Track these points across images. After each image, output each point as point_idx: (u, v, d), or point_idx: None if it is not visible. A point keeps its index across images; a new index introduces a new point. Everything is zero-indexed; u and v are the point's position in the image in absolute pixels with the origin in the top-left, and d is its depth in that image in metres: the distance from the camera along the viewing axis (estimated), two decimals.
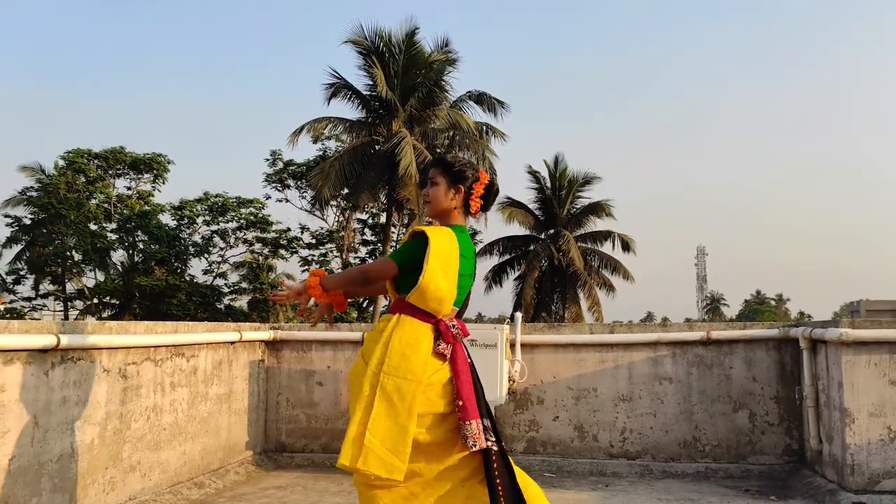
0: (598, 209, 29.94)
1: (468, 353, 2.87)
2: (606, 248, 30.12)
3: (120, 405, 4.17)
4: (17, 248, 29.51)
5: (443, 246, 2.77)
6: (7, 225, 29.66)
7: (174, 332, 4.72)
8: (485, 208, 2.98)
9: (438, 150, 24.10)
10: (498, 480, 2.67)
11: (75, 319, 30.36)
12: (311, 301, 2.90)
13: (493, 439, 2.72)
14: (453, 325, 2.81)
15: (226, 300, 30.44)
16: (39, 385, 3.54)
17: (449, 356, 2.77)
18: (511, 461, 2.78)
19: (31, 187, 29.08)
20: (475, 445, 2.67)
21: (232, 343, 5.47)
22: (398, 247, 2.84)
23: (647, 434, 5.62)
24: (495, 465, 2.68)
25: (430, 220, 3.03)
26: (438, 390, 2.72)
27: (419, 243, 2.78)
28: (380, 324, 2.86)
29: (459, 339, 2.83)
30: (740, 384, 5.55)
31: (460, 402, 2.70)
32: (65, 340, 3.62)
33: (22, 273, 29.39)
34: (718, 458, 5.50)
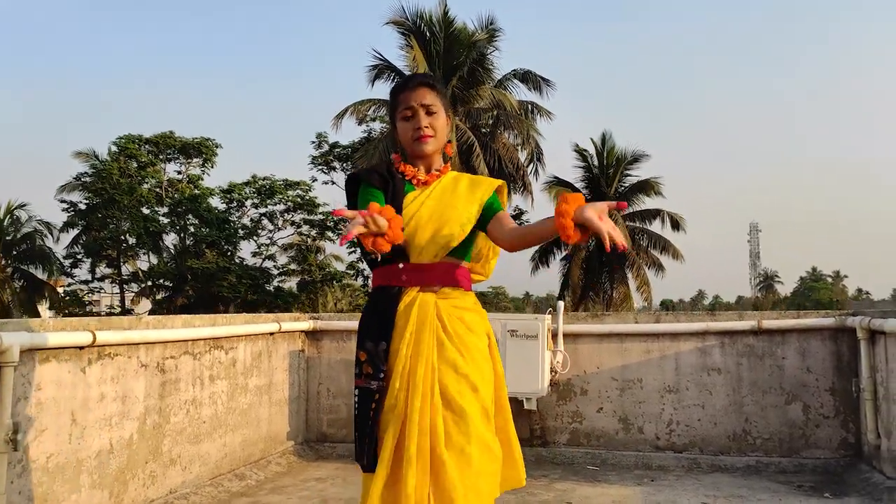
0: (646, 187, 29.38)
1: None
2: (655, 226, 29.62)
3: (159, 399, 4.18)
4: (73, 233, 30.38)
5: None
6: (63, 210, 30.55)
7: (212, 325, 4.72)
8: None
9: (483, 131, 23.86)
10: None
11: (131, 301, 31.19)
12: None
13: None
14: None
15: (275, 282, 30.89)
16: (76, 382, 3.55)
17: None
18: None
19: (86, 173, 29.87)
20: None
21: (271, 334, 5.46)
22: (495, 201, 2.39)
23: (695, 426, 5.44)
24: None
25: (424, 156, 2.41)
26: None
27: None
28: (461, 300, 2.36)
29: None
30: (793, 375, 5.33)
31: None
32: (101, 337, 3.63)
33: (79, 257, 30.27)
34: (770, 452, 5.31)
